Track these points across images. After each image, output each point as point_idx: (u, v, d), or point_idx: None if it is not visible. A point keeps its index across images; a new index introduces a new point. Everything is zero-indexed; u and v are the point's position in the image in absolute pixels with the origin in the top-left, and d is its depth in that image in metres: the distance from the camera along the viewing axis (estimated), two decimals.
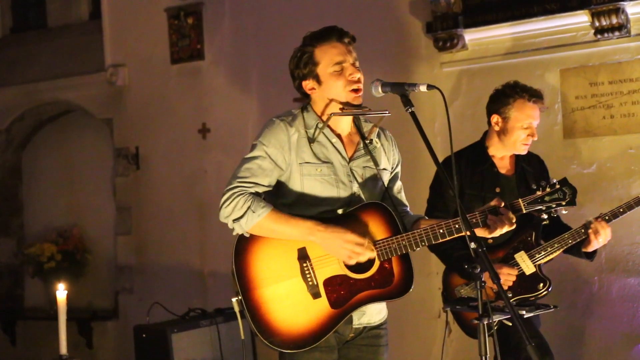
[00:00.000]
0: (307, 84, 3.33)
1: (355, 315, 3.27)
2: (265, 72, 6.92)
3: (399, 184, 3.51)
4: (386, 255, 3.18)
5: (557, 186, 3.22)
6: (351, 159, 3.33)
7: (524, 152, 4.31)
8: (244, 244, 3.22)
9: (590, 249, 4.18)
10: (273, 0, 7.00)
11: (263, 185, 3.24)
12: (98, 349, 8.15)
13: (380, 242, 3.19)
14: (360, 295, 3.18)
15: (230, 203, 3.18)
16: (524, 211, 3.21)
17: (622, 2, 5.41)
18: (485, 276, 2.94)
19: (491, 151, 4.34)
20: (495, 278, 2.85)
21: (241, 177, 3.23)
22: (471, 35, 6.07)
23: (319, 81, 3.30)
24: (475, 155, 4.35)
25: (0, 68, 8.85)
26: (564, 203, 3.21)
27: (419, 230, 3.20)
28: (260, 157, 3.25)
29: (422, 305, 6.26)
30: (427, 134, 3.05)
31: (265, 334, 3.16)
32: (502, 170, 4.33)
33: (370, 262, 3.19)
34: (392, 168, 3.48)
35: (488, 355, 2.94)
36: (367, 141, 3.39)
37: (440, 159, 3.33)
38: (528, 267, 4.17)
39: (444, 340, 4.40)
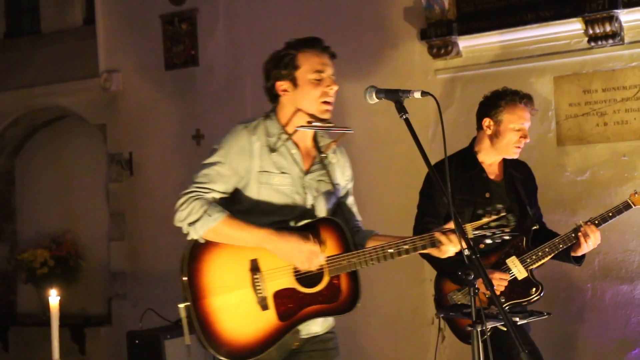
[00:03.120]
0: (282, 85, 3.33)
1: (301, 325, 3.27)
2: (259, 78, 6.83)
3: (351, 199, 3.54)
4: (336, 272, 3.21)
5: (503, 213, 3.22)
6: (307, 172, 3.34)
7: (515, 156, 4.31)
8: (198, 251, 3.22)
9: (579, 252, 4.19)
10: (267, 7, 7.01)
11: (219, 192, 3.24)
12: (91, 355, 8.14)
13: (332, 258, 3.21)
14: (307, 309, 3.20)
15: (186, 207, 3.19)
16: (471, 236, 3.20)
17: (615, 10, 5.43)
18: (479, 282, 2.94)
19: (480, 157, 4.34)
20: (489, 285, 2.85)
21: (198, 183, 3.23)
22: (465, 42, 6.08)
23: (295, 84, 3.31)
24: (464, 161, 4.35)
25: None
26: (507, 230, 3.21)
27: (369, 249, 3.22)
28: (219, 162, 3.25)
29: (415, 311, 6.27)
30: (421, 141, 3.05)
31: (211, 343, 3.16)
32: (491, 176, 4.33)
33: (319, 277, 3.21)
34: (345, 184, 3.51)
35: None
36: (324, 155, 3.41)
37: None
38: (520, 272, 4.18)
39: (436, 346, 4.39)
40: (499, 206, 3.22)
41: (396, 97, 3.11)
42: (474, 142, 4.41)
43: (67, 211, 8.75)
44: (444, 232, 3.17)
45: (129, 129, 7.86)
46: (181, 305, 3.22)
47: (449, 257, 4.12)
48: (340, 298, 3.22)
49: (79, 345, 8.15)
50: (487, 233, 3.20)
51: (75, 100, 8.25)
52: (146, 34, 7.66)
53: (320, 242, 3.19)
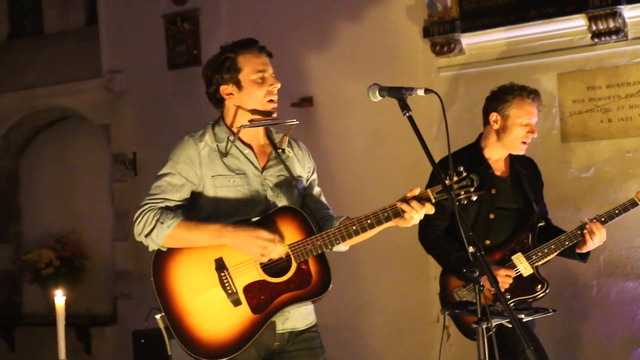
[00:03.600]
0: (226, 89, 3.38)
1: (279, 320, 3.29)
2: None
3: (317, 189, 3.55)
4: (302, 257, 3.22)
5: (464, 174, 3.17)
6: (264, 168, 3.38)
7: (522, 152, 4.30)
8: (161, 259, 3.28)
9: (585, 249, 4.19)
10: (269, 6, 7.01)
11: (174, 200, 3.30)
12: (97, 354, 8.15)
13: (295, 244, 3.23)
14: (280, 298, 3.22)
15: (140, 220, 3.25)
16: (434, 201, 3.18)
17: (619, 6, 5.42)
18: (484, 279, 2.94)
19: (487, 153, 4.34)
20: (494, 282, 2.85)
21: (151, 195, 3.31)
22: (468, 40, 6.07)
23: (239, 87, 3.36)
24: (470, 157, 4.34)
25: None
26: (472, 190, 3.16)
27: (332, 230, 3.24)
28: (170, 173, 3.32)
29: (420, 309, 6.26)
30: (424, 138, 3.05)
31: (190, 347, 3.21)
32: (497, 172, 4.33)
33: (287, 265, 3.23)
34: (307, 176, 3.53)
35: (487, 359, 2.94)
36: (280, 150, 3.44)
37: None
38: (525, 269, 4.18)
39: (441, 344, 4.39)
40: (460, 168, 3.19)
41: (399, 94, 3.11)
42: (480, 138, 4.41)
43: (71, 211, 8.76)
44: (406, 200, 3.16)
45: (133, 129, 7.86)
46: (158, 316, 3.27)
47: (455, 254, 4.15)
48: (311, 282, 3.23)
49: (85, 345, 8.16)
50: (450, 195, 3.13)
51: (78, 100, 8.26)
52: (149, 34, 7.66)
53: (277, 232, 3.21)
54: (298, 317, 3.35)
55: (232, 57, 3.36)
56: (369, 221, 3.20)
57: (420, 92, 3.06)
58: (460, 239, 2.98)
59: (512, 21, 5.84)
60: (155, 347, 5.65)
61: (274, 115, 3.37)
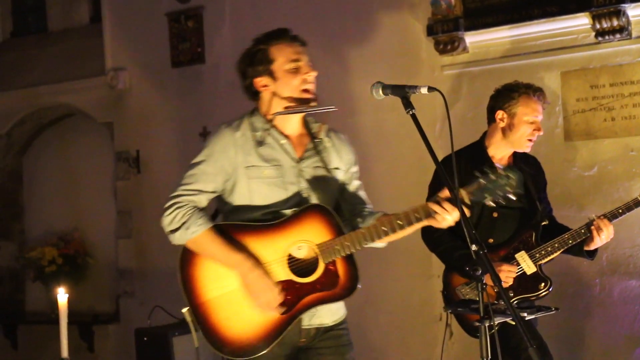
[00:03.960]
0: (261, 81, 3.33)
1: (306, 316, 3.25)
2: None
3: (356, 183, 3.49)
4: (330, 257, 3.18)
5: (502, 172, 3.12)
6: (301, 159, 3.33)
7: (527, 149, 4.31)
8: (189, 254, 3.26)
9: (592, 246, 4.20)
10: (273, 4, 7.01)
11: (207, 192, 3.26)
12: (99, 352, 8.15)
13: (324, 244, 3.18)
14: (307, 298, 3.18)
15: (169, 214, 3.21)
16: (467, 201, 3.12)
17: (622, 5, 5.41)
18: (487, 277, 2.94)
19: (491, 151, 4.34)
20: (497, 280, 2.85)
21: (185, 184, 3.25)
22: (472, 38, 6.07)
23: (274, 78, 3.31)
24: (474, 155, 4.34)
25: (1, 72, 8.86)
26: (509, 189, 3.11)
27: (362, 229, 3.20)
28: (204, 161, 3.26)
29: (423, 308, 6.26)
30: (428, 137, 3.05)
31: (216, 344, 3.19)
32: None
33: (314, 266, 3.19)
34: (346, 168, 3.46)
35: (490, 358, 2.94)
36: (317, 141, 3.39)
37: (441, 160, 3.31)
38: (529, 267, 4.18)
39: (443, 341, 4.39)
40: (499, 165, 3.17)
41: (403, 93, 3.11)
42: (484, 136, 4.41)
43: (74, 209, 8.76)
44: (438, 201, 3.12)
45: (136, 126, 7.86)
46: (184, 310, 3.25)
47: (457, 251, 4.15)
48: (338, 283, 3.19)
49: (88, 343, 8.16)
50: (486, 195, 3.11)
51: (82, 98, 8.25)
52: (152, 31, 7.67)
53: (304, 232, 3.17)
54: (327, 313, 3.31)
55: (263, 49, 3.32)
56: (399, 222, 3.15)
57: (424, 90, 3.06)
58: (464, 237, 2.98)
59: (515, 19, 5.84)
60: (158, 345, 5.67)
61: (313, 104, 3.30)
